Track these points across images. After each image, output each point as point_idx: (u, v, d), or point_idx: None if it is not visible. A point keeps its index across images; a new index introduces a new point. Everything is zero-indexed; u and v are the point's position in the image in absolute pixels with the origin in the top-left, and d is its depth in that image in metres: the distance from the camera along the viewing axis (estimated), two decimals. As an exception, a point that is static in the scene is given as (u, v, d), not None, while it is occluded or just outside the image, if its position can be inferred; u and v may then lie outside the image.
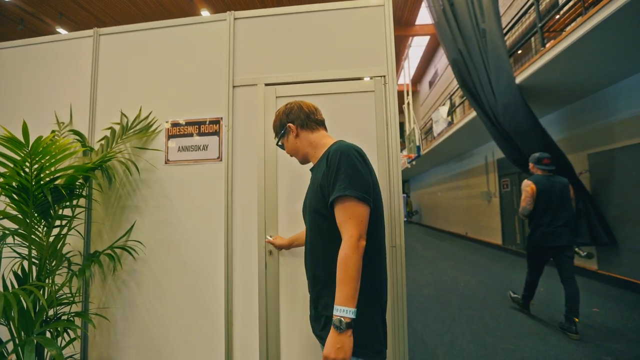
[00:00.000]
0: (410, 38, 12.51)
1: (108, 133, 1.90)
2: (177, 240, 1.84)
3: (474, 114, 5.78)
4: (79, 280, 1.59)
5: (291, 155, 1.28)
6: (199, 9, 10.01)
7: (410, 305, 3.65)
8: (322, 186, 1.04)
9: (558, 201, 2.94)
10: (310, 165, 1.25)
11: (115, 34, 2.06)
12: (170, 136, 1.91)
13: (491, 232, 8.12)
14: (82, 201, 1.86)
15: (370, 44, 1.80)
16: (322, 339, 1.02)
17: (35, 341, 1.29)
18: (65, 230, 1.68)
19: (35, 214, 1.55)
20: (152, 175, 1.90)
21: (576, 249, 3.10)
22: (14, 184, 1.45)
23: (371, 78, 1.78)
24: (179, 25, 2.00)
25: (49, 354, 1.49)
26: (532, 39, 4.91)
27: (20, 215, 1.53)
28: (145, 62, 2.00)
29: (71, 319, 1.65)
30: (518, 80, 4.31)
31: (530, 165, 3.21)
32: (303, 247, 1.50)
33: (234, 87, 1.88)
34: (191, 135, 1.89)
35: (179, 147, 1.89)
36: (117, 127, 1.89)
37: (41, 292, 1.52)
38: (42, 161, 1.46)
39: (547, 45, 3.85)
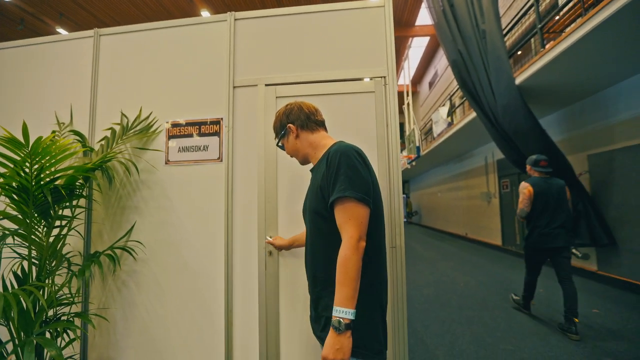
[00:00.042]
0: (410, 39, 12.52)
1: (108, 133, 1.90)
2: (177, 240, 1.84)
3: (473, 114, 5.78)
4: (78, 280, 1.58)
5: (291, 156, 1.28)
6: (199, 9, 10.02)
7: (410, 305, 3.65)
8: (322, 187, 1.04)
9: (555, 203, 2.98)
10: (311, 165, 1.25)
11: (115, 34, 2.06)
12: (170, 136, 1.91)
13: (491, 233, 8.12)
14: (82, 201, 1.86)
15: (371, 45, 1.81)
16: (322, 340, 1.02)
17: (34, 342, 1.29)
18: (65, 230, 1.68)
19: (35, 214, 1.55)
20: (153, 176, 1.90)
21: (573, 250, 3.13)
22: (14, 184, 1.45)
23: (371, 79, 1.78)
24: (180, 25, 2.00)
25: (48, 354, 1.48)
26: (532, 40, 4.91)
27: (20, 216, 1.53)
28: (145, 62, 2.00)
29: (71, 319, 1.65)
30: (518, 81, 4.31)
31: (528, 167, 3.25)
32: (303, 248, 1.50)
33: (234, 87, 1.88)
34: (191, 135, 1.89)
35: (180, 148, 1.89)
36: (117, 128, 1.90)
37: (41, 292, 1.52)
38: (42, 161, 1.46)
39: (547, 46, 3.86)
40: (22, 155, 1.41)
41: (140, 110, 1.93)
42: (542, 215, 2.99)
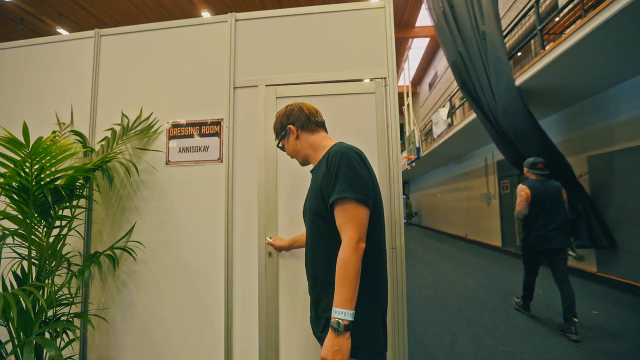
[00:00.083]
0: (410, 40, 12.54)
1: (109, 134, 1.90)
2: (178, 241, 1.84)
3: (473, 115, 5.78)
4: (78, 281, 1.58)
5: (291, 157, 1.29)
6: (199, 9, 10.03)
7: (409, 306, 3.65)
8: (322, 188, 1.04)
9: (552, 205, 3.02)
10: (311, 166, 1.25)
11: (116, 34, 2.06)
12: (171, 137, 1.91)
13: (490, 234, 8.12)
14: (82, 202, 1.86)
15: (371, 46, 1.81)
16: (322, 341, 1.02)
17: (34, 342, 1.29)
18: (65, 230, 1.68)
19: (36, 215, 1.55)
20: (153, 176, 1.90)
21: (570, 252, 3.18)
22: (14, 184, 1.45)
23: (371, 80, 1.79)
24: (181, 26, 2.00)
25: (48, 354, 1.48)
26: (532, 41, 4.93)
27: (20, 216, 1.53)
28: (146, 63, 2.00)
29: (70, 319, 1.65)
30: (518, 82, 4.32)
31: (525, 169, 3.31)
32: (302, 249, 1.50)
33: (234, 88, 1.88)
34: (192, 136, 1.89)
35: (180, 148, 1.89)
36: (117, 128, 1.90)
37: (41, 292, 1.52)
38: (43, 162, 1.46)
39: (547, 48, 3.86)
40: (23, 155, 1.41)
41: (141, 111, 1.93)
42: (539, 217, 3.04)
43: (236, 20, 1.93)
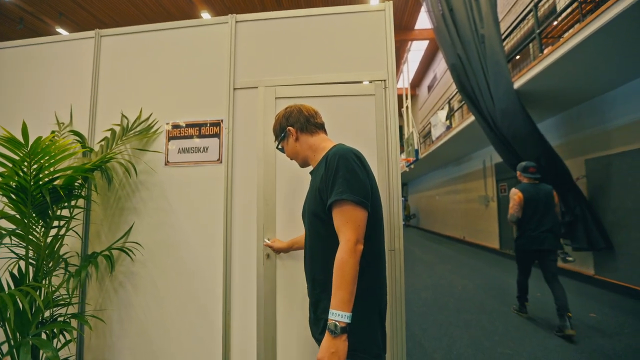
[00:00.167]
0: (410, 42, 12.59)
1: (108, 134, 1.90)
2: (176, 242, 1.83)
3: (472, 118, 5.80)
4: (75, 281, 1.58)
5: (291, 159, 1.29)
6: (199, 10, 10.04)
7: (408, 309, 3.65)
8: (321, 190, 1.04)
9: (543, 208, 3.10)
10: (310, 168, 1.25)
11: (116, 35, 2.06)
12: (170, 138, 1.91)
13: (488, 236, 8.13)
14: (80, 202, 1.86)
15: (371, 48, 1.82)
16: (321, 343, 1.02)
17: (30, 343, 1.28)
18: (63, 231, 1.67)
19: (33, 214, 1.54)
20: (152, 177, 1.90)
21: (567, 257, 3.27)
22: (12, 183, 1.45)
23: (371, 82, 1.79)
24: (181, 27, 2.00)
25: (44, 355, 1.47)
26: (531, 45, 4.95)
27: (18, 216, 1.52)
28: (146, 63, 2.00)
29: (67, 320, 1.64)
30: (516, 85, 4.34)
31: (518, 173, 3.38)
32: (301, 251, 1.50)
33: (234, 89, 1.89)
34: (191, 137, 1.89)
35: (179, 149, 1.89)
36: (117, 129, 1.89)
37: (38, 293, 1.51)
38: (42, 161, 1.46)
39: (545, 51, 3.89)
40: (21, 155, 1.41)
41: (141, 112, 1.93)
42: (532, 219, 3.12)
43: (236, 22, 1.94)
